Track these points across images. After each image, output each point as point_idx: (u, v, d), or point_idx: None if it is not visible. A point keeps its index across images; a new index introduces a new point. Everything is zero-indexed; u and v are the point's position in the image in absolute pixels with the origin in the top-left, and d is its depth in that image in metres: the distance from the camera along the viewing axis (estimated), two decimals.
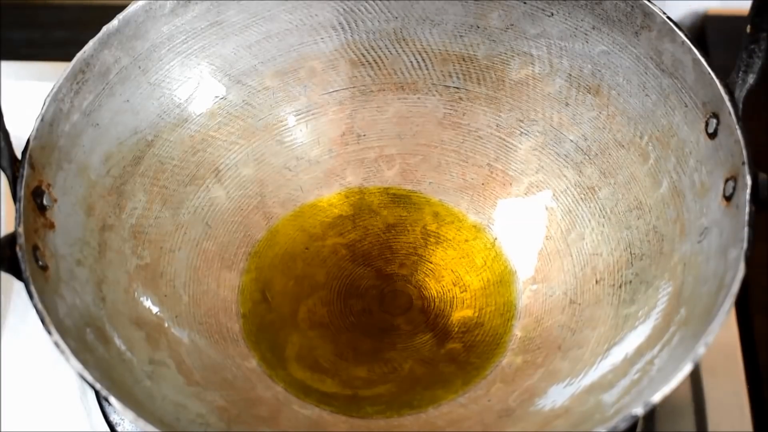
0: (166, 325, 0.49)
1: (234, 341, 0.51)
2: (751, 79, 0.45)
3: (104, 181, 0.50)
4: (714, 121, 0.46)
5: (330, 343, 0.52)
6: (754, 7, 0.45)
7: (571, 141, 0.54)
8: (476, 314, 0.53)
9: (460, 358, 0.51)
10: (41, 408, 0.56)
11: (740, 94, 0.45)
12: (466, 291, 0.54)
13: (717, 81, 0.46)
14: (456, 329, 0.53)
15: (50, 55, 0.69)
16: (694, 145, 0.48)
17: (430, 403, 0.50)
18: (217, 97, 0.54)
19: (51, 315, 0.41)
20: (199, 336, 0.50)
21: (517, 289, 0.53)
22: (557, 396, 0.47)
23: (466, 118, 0.56)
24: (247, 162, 0.55)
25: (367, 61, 0.56)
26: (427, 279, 0.55)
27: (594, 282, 0.51)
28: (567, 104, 0.54)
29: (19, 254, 0.42)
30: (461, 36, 0.55)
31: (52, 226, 0.45)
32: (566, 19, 0.52)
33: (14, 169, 0.44)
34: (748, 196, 0.42)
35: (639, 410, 0.39)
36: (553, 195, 0.54)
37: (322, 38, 0.55)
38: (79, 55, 0.48)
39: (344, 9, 0.54)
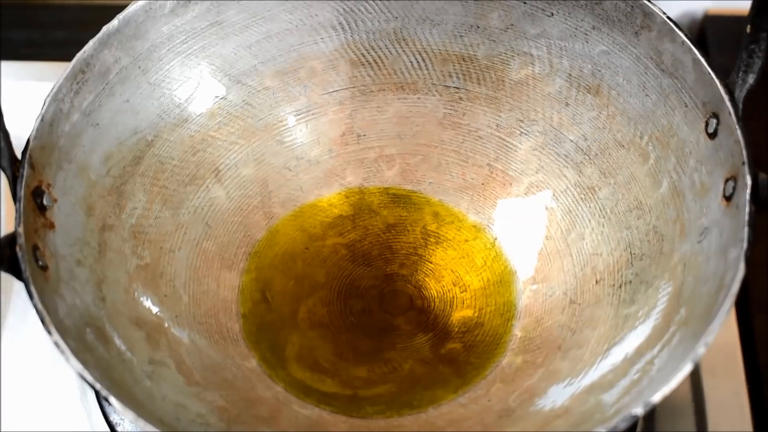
0: (166, 325, 0.49)
1: (234, 341, 0.51)
2: (751, 79, 0.45)
3: (104, 181, 0.50)
4: (714, 121, 0.46)
5: (330, 343, 0.52)
6: (754, 7, 0.45)
7: (571, 141, 0.54)
8: (476, 314, 0.53)
9: (460, 358, 0.51)
10: (41, 408, 0.56)
11: (740, 94, 0.45)
12: (466, 291, 0.54)
13: (717, 81, 0.46)
14: (456, 329, 0.53)
15: (50, 55, 0.69)
16: (694, 145, 0.48)
17: (430, 403, 0.50)
18: (217, 97, 0.54)
19: (51, 315, 0.41)
20: (199, 336, 0.50)
21: (517, 289, 0.53)
22: (557, 396, 0.47)
23: (466, 118, 0.56)
24: (247, 162, 0.55)
25: (367, 61, 0.56)
26: (427, 279, 0.55)
27: (594, 282, 0.51)
28: (567, 104, 0.54)
29: (19, 254, 0.42)
30: (461, 36, 0.55)
31: (52, 226, 0.45)
32: (566, 19, 0.52)
33: (14, 169, 0.44)
34: (748, 196, 0.42)
35: (639, 410, 0.39)
36: (553, 195, 0.54)
37: (322, 38, 0.55)
38: (79, 55, 0.48)
39: (344, 9, 0.54)
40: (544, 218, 0.54)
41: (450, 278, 0.54)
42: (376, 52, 0.56)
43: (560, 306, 0.52)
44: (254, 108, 0.55)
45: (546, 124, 0.54)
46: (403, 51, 0.56)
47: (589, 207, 0.53)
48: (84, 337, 0.44)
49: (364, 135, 0.57)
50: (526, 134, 0.55)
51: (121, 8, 0.50)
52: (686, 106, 0.48)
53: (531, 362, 0.50)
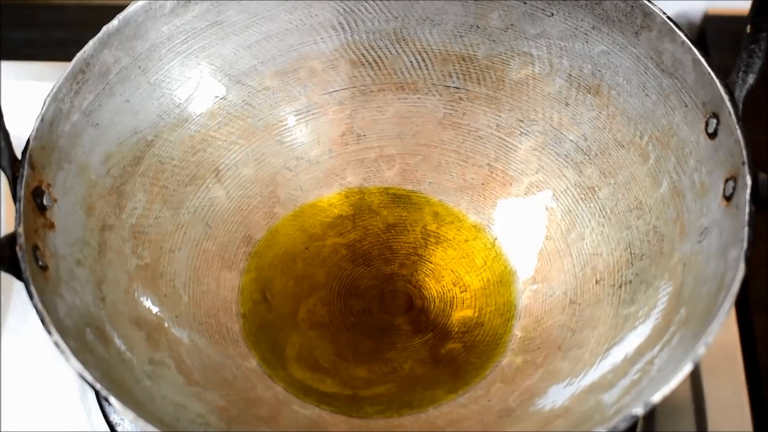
0: (166, 325, 0.49)
1: (234, 341, 0.51)
2: (751, 79, 0.45)
3: (104, 181, 0.50)
4: (714, 121, 0.46)
5: (330, 343, 0.52)
6: (754, 7, 0.45)
7: (571, 141, 0.54)
8: (476, 314, 0.53)
9: (460, 358, 0.51)
10: (41, 408, 0.56)
11: (740, 94, 0.45)
12: (466, 291, 0.54)
13: (717, 81, 0.46)
14: (456, 329, 0.53)
15: (50, 55, 0.69)
16: (694, 145, 0.48)
17: (430, 403, 0.50)
18: (217, 97, 0.54)
19: (51, 315, 0.41)
20: (199, 336, 0.50)
21: (517, 289, 0.53)
22: (557, 396, 0.47)
23: (466, 118, 0.56)
24: (247, 162, 0.55)
25: (367, 61, 0.56)
26: (427, 279, 0.55)
27: (594, 282, 0.51)
28: (567, 104, 0.54)
29: (19, 254, 0.42)
30: (461, 36, 0.55)
31: (52, 226, 0.45)
32: (566, 19, 0.52)
33: (14, 169, 0.44)
34: (748, 196, 0.42)
35: (639, 410, 0.39)
36: (553, 195, 0.54)
37: (322, 38, 0.55)
38: (79, 55, 0.48)
39: (344, 9, 0.54)
40: (544, 218, 0.54)
41: (450, 278, 0.54)
42: (376, 52, 0.56)
43: (560, 306, 0.52)
44: (254, 108, 0.55)
45: (546, 124, 0.54)
46: (403, 51, 0.56)
47: (589, 207, 0.53)
48: (84, 337, 0.44)
49: (364, 135, 0.57)
50: (526, 134, 0.55)
51: (121, 8, 0.50)
52: (686, 106, 0.48)
53: (531, 362, 0.50)
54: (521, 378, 0.49)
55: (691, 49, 0.47)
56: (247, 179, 0.55)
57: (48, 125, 0.46)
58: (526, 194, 0.55)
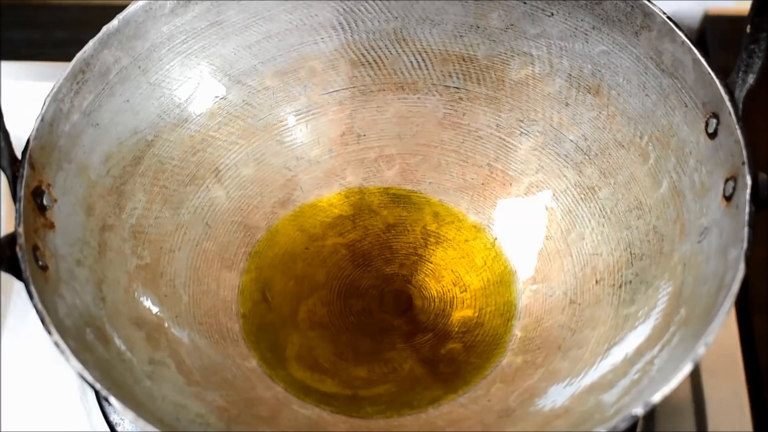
0: (166, 325, 0.49)
1: (234, 341, 0.51)
2: (751, 79, 0.45)
3: (104, 181, 0.50)
4: (714, 121, 0.46)
5: (330, 343, 0.52)
6: (754, 7, 0.45)
7: (571, 141, 0.54)
8: (476, 314, 0.53)
9: (460, 358, 0.51)
10: (41, 408, 0.56)
11: (740, 94, 0.45)
12: (466, 291, 0.54)
13: (717, 81, 0.46)
14: (456, 329, 0.53)
15: (50, 55, 0.69)
16: (694, 145, 0.48)
17: (430, 403, 0.50)
18: (217, 97, 0.54)
19: (51, 315, 0.41)
20: (199, 336, 0.50)
21: (517, 289, 0.53)
22: (557, 396, 0.47)
23: (466, 118, 0.56)
24: (247, 162, 0.55)
25: (367, 61, 0.56)
26: (427, 279, 0.55)
27: (594, 282, 0.51)
28: (567, 104, 0.54)
29: (19, 254, 0.42)
30: (461, 36, 0.55)
31: (52, 226, 0.45)
32: (566, 19, 0.52)
33: (14, 169, 0.44)
34: (748, 196, 0.42)
35: (639, 410, 0.39)
36: (553, 195, 0.54)
37: (322, 38, 0.55)
38: (79, 55, 0.48)
39: (344, 9, 0.54)
40: (544, 218, 0.54)
41: (450, 278, 0.54)
42: (376, 52, 0.56)
43: (560, 306, 0.51)
44: (254, 108, 0.55)
45: (546, 124, 0.54)
46: (403, 51, 0.56)
47: (589, 207, 0.53)
48: (84, 337, 0.44)
49: (364, 135, 0.57)
50: (526, 134, 0.55)
51: (121, 8, 0.50)
52: (686, 106, 0.48)
53: (531, 362, 0.50)
54: (521, 378, 0.49)
55: (691, 49, 0.47)
56: (247, 179, 0.55)
57: (48, 125, 0.46)
58: (526, 194, 0.55)
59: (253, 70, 0.55)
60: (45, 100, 0.46)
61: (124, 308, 0.48)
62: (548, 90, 0.54)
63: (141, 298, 0.49)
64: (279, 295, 0.54)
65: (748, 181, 0.43)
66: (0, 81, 0.65)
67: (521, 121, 0.55)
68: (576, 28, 0.52)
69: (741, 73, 0.46)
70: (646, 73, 0.50)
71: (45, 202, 0.45)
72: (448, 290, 0.54)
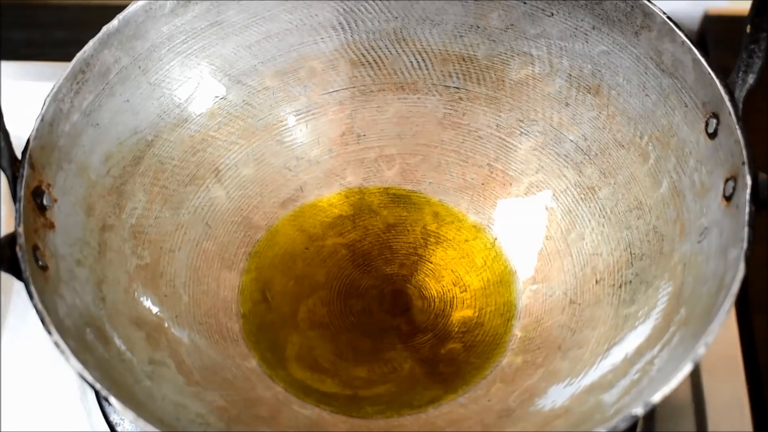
0: (166, 325, 0.49)
1: (234, 341, 0.51)
2: (751, 79, 0.45)
3: (104, 181, 0.50)
4: (714, 121, 0.46)
5: (330, 343, 0.52)
6: (754, 7, 0.44)
7: (571, 141, 0.54)
8: (476, 314, 0.53)
9: (460, 358, 0.51)
10: (41, 408, 0.56)
11: (740, 94, 0.45)
12: (466, 291, 0.54)
13: (717, 81, 0.46)
14: (456, 329, 0.53)
15: (50, 55, 0.69)
16: (694, 145, 0.48)
17: (430, 403, 0.50)
18: (217, 97, 0.54)
19: (51, 315, 0.41)
20: (199, 336, 0.50)
21: (517, 289, 0.53)
22: (557, 396, 0.47)
23: (466, 118, 0.56)
24: (247, 162, 0.55)
25: (367, 61, 0.56)
26: (427, 279, 0.55)
27: (594, 282, 0.51)
28: (567, 104, 0.54)
29: (19, 254, 0.42)
30: (461, 36, 0.55)
31: (52, 226, 0.45)
32: (566, 19, 0.52)
33: (14, 169, 0.44)
34: (748, 196, 0.42)
35: (639, 410, 0.39)
36: (553, 195, 0.54)
37: (322, 38, 0.55)
38: (79, 55, 0.48)
39: (344, 9, 0.54)
40: (544, 218, 0.54)
41: (450, 278, 0.54)
42: (376, 52, 0.56)
43: (560, 306, 0.51)
44: (254, 108, 0.55)
45: (546, 124, 0.54)
46: (403, 51, 0.56)
47: (589, 207, 0.53)
48: (84, 337, 0.44)
49: (364, 135, 0.57)
50: (526, 134, 0.55)
51: (121, 8, 0.50)
52: (686, 106, 0.48)
53: (531, 362, 0.50)
54: (521, 378, 0.49)
55: (691, 49, 0.47)
56: (247, 179, 0.55)
57: (48, 125, 0.46)
58: (526, 194, 0.55)
59: (253, 70, 0.55)
60: (45, 100, 0.46)
61: (124, 308, 0.48)
62: (548, 90, 0.54)
63: (141, 298, 0.49)
64: (279, 295, 0.54)
65: (748, 181, 0.43)
66: (0, 81, 0.65)
67: (521, 121, 0.55)
68: (576, 28, 0.52)
69: (741, 73, 0.46)
70: (646, 73, 0.50)
71: (45, 202, 0.45)
72: (448, 290, 0.54)
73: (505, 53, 0.54)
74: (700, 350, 0.40)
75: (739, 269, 0.41)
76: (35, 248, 0.43)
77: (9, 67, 0.66)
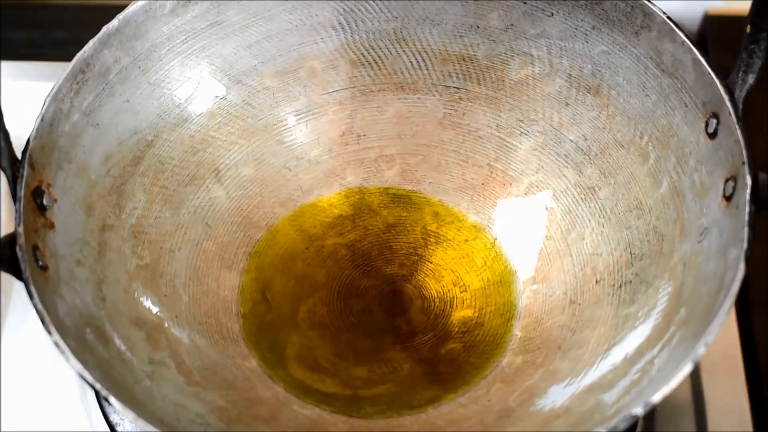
0: (166, 325, 0.49)
1: (234, 341, 0.51)
2: (751, 79, 0.45)
3: (104, 181, 0.50)
4: (714, 121, 0.46)
5: (330, 343, 0.52)
6: (754, 7, 0.44)
7: (571, 141, 0.54)
8: (476, 314, 0.53)
9: (460, 358, 0.51)
10: (41, 408, 0.56)
11: (740, 94, 0.45)
12: (466, 291, 0.54)
13: (717, 81, 0.46)
14: (456, 329, 0.53)
15: (50, 55, 0.69)
16: (694, 145, 0.48)
17: (430, 403, 0.50)
18: (217, 97, 0.54)
19: (51, 315, 0.41)
20: (199, 336, 0.50)
21: (517, 289, 0.53)
22: (557, 396, 0.47)
23: (466, 118, 0.56)
24: (247, 162, 0.55)
25: (367, 61, 0.56)
26: (427, 279, 0.55)
27: (594, 282, 0.51)
28: (567, 104, 0.54)
29: (19, 254, 0.42)
30: (461, 36, 0.55)
31: (52, 226, 0.45)
32: (566, 19, 0.52)
33: (14, 169, 0.44)
34: (748, 196, 0.42)
35: (639, 410, 0.39)
36: (553, 195, 0.54)
37: (322, 38, 0.55)
38: (79, 55, 0.48)
39: (344, 9, 0.54)
40: (544, 218, 0.54)
41: (450, 278, 0.54)
42: (376, 52, 0.56)
43: (560, 306, 0.51)
44: (254, 108, 0.55)
45: (546, 124, 0.54)
46: (403, 51, 0.56)
47: (589, 207, 0.53)
48: (84, 337, 0.44)
49: (364, 135, 0.57)
50: (526, 134, 0.55)
51: (121, 8, 0.50)
52: (686, 106, 0.48)
53: (531, 362, 0.50)
54: (521, 378, 0.49)
55: (691, 49, 0.47)
56: (247, 179, 0.55)
57: (48, 125, 0.46)
58: (526, 194, 0.55)
59: (253, 70, 0.55)
60: (45, 100, 0.46)
61: (124, 308, 0.48)
62: (548, 90, 0.54)
63: (141, 298, 0.49)
64: (279, 295, 0.54)
65: (748, 181, 0.43)
66: (0, 81, 0.65)
67: (521, 121, 0.55)
68: (576, 28, 0.52)
69: (741, 73, 0.46)
70: (646, 73, 0.50)
71: (45, 202, 0.45)
72: (448, 290, 0.54)
73: (505, 53, 0.54)
74: (700, 350, 0.40)
75: (739, 269, 0.41)
76: (35, 248, 0.43)
77: (9, 67, 0.66)
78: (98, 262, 0.48)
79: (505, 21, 0.54)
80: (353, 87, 0.56)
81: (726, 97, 0.45)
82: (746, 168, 0.43)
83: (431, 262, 0.55)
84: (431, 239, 0.56)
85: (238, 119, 0.55)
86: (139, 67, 0.51)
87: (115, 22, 0.49)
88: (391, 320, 0.53)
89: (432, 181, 0.57)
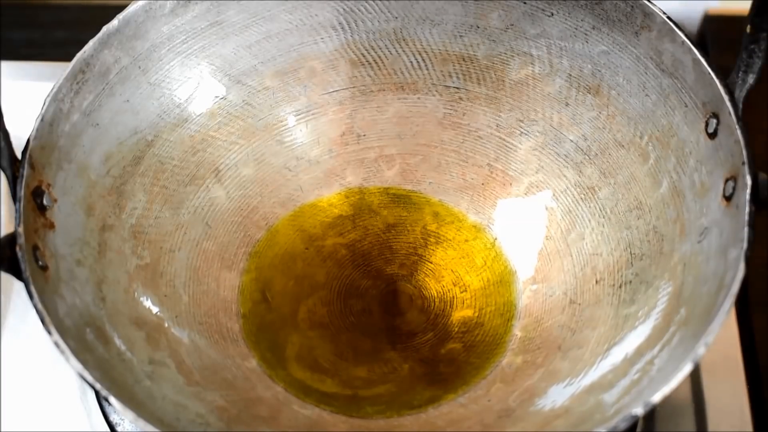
0: (166, 325, 0.49)
1: (234, 341, 0.51)
2: (751, 79, 0.45)
3: (104, 181, 0.50)
4: (714, 121, 0.46)
5: (330, 343, 0.52)
6: (754, 7, 0.44)
7: (571, 141, 0.54)
8: (476, 314, 0.53)
9: (460, 358, 0.51)
10: (41, 408, 0.56)
11: (740, 94, 0.45)
12: (466, 291, 0.54)
13: (717, 81, 0.46)
14: (456, 329, 0.53)
15: (50, 55, 0.69)
16: (694, 145, 0.48)
17: (430, 403, 0.50)
18: (217, 97, 0.54)
19: (51, 315, 0.41)
20: (199, 336, 0.50)
21: (517, 289, 0.53)
22: (557, 396, 0.47)
23: (466, 118, 0.56)
24: (247, 162, 0.55)
25: (367, 61, 0.56)
26: (427, 279, 0.55)
27: (594, 282, 0.51)
28: (567, 104, 0.54)
29: (19, 254, 0.42)
30: (461, 36, 0.55)
31: (52, 226, 0.45)
32: (566, 19, 0.52)
33: (14, 169, 0.44)
34: (748, 196, 0.42)
35: (639, 410, 0.39)
36: (553, 195, 0.54)
37: (322, 38, 0.55)
38: (79, 55, 0.48)
39: (344, 9, 0.54)
40: (544, 218, 0.54)
41: (450, 278, 0.54)
42: (376, 52, 0.56)
43: (560, 306, 0.52)
44: (254, 108, 0.55)
45: (546, 124, 0.54)
46: (403, 51, 0.56)
47: (589, 207, 0.53)
48: (84, 337, 0.44)
49: (364, 135, 0.57)
50: (526, 134, 0.55)
51: (121, 8, 0.50)
52: (686, 106, 0.48)
53: (531, 362, 0.50)
54: (521, 378, 0.49)
55: (691, 49, 0.47)
56: (247, 179, 0.55)
57: (48, 125, 0.46)
58: (526, 194, 0.55)
59: (253, 70, 0.55)
60: (45, 100, 0.46)
61: (124, 308, 0.48)
62: (548, 90, 0.54)
63: (141, 298, 0.49)
64: (279, 295, 0.54)
65: (748, 181, 0.43)
66: (0, 81, 0.65)
67: (521, 121, 0.55)
68: (576, 28, 0.52)
69: (741, 73, 0.46)
70: (646, 73, 0.50)
71: (45, 202, 0.45)
72: (448, 290, 0.54)
73: (505, 53, 0.54)
74: (700, 350, 0.40)
75: (739, 269, 0.41)
76: (35, 248, 0.43)
77: (9, 67, 0.66)
78: (98, 262, 0.48)
79: (505, 21, 0.54)
80: (353, 87, 0.56)
81: (726, 97, 0.45)
82: (746, 168, 0.43)
83: (431, 262, 0.55)
84: (431, 239, 0.56)
85: (238, 119, 0.55)
86: (139, 67, 0.51)
87: (115, 22, 0.49)
88: (391, 320, 0.53)
89: (432, 181, 0.57)
